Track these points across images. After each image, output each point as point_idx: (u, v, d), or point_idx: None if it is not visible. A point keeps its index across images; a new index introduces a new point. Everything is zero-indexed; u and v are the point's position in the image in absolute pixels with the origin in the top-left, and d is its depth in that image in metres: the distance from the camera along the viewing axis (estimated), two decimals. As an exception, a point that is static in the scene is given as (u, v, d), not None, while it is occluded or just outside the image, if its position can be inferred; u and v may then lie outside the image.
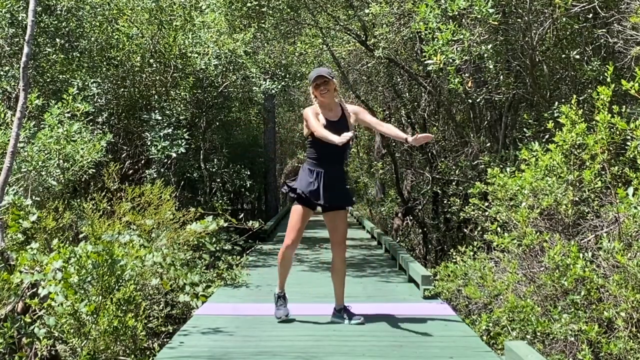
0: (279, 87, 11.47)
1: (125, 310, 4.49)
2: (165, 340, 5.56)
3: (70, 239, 6.00)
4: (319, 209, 4.72)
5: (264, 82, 11.14)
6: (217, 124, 11.50)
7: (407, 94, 11.97)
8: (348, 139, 4.29)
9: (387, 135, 5.46)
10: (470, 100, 7.82)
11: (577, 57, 6.14)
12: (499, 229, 4.91)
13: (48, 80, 8.78)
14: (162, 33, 9.30)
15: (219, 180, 10.90)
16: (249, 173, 10.86)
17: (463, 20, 6.19)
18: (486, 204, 5.40)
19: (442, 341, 4.23)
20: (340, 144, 4.28)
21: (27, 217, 4.69)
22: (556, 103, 5.80)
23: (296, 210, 4.66)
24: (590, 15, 6.26)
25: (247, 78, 10.59)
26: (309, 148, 4.71)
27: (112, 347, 4.29)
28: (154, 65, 9.56)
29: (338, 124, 4.60)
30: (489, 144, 7.84)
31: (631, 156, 4.35)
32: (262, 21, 9.54)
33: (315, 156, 4.66)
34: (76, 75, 8.77)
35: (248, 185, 10.87)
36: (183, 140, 8.53)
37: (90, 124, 7.89)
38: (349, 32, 9.97)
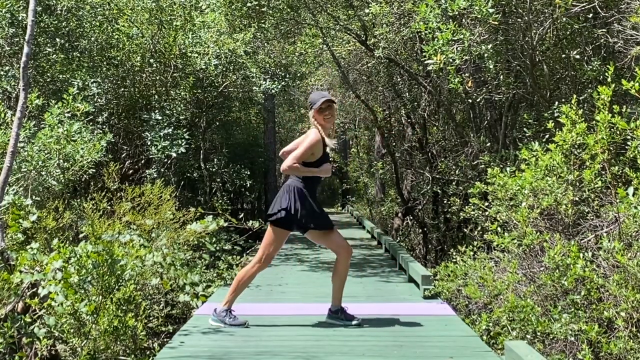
0: (279, 87, 11.48)
1: (125, 310, 4.49)
2: (165, 340, 5.56)
3: (70, 239, 6.01)
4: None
5: (264, 82, 11.15)
6: (217, 124, 11.52)
7: (407, 94, 11.95)
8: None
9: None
10: (470, 100, 7.81)
11: (577, 57, 6.13)
12: (499, 229, 4.90)
13: (48, 80, 8.79)
14: (162, 33, 9.31)
15: (219, 180, 10.92)
16: (249, 173, 10.88)
17: (463, 20, 6.19)
18: (486, 204, 5.40)
19: (442, 341, 4.22)
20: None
21: (27, 217, 4.70)
22: (556, 103, 5.79)
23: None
24: (590, 15, 6.26)
25: (247, 78, 10.61)
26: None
27: (112, 347, 4.30)
28: (154, 65, 9.57)
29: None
30: (489, 144, 7.83)
31: (631, 156, 4.35)
32: (262, 21, 9.53)
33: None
34: (76, 75, 8.78)
35: (248, 185, 10.90)
36: (183, 140, 8.54)
37: (90, 124, 7.90)
38: (349, 32, 9.96)
